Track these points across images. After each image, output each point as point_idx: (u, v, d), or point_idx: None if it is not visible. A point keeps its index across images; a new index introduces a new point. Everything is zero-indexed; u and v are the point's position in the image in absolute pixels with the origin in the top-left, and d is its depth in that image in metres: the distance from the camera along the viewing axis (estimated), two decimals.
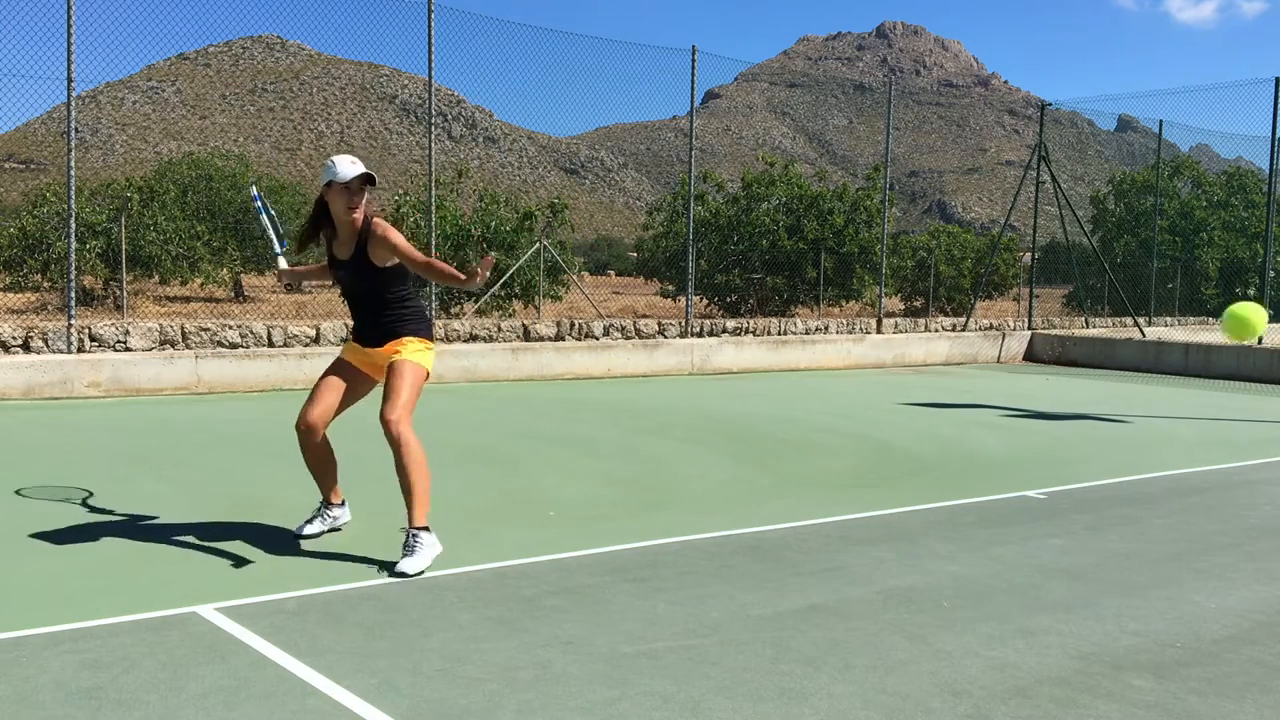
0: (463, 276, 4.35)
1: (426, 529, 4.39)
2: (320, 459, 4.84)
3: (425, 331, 4.73)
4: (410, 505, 4.39)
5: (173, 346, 11.00)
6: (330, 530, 4.93)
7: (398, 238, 4.52)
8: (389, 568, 4.30)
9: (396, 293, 4.67)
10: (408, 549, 4.33)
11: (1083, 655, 3.50)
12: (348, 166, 4.52)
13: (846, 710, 3.02)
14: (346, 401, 4.79)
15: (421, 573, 4.24)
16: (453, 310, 18.16)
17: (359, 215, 4.54)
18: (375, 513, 5.36)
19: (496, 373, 11.94)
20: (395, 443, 4.38)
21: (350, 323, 5.02)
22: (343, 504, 5.05)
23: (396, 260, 4.56)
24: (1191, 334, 20.47)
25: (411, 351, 4.61)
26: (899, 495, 6.10)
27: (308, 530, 4.86)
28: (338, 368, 4.79)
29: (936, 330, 18.16)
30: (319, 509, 4.97)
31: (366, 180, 4.53)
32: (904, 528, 5.28)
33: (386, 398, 4.47)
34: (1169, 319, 26.53)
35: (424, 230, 16.37)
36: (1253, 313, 5.17)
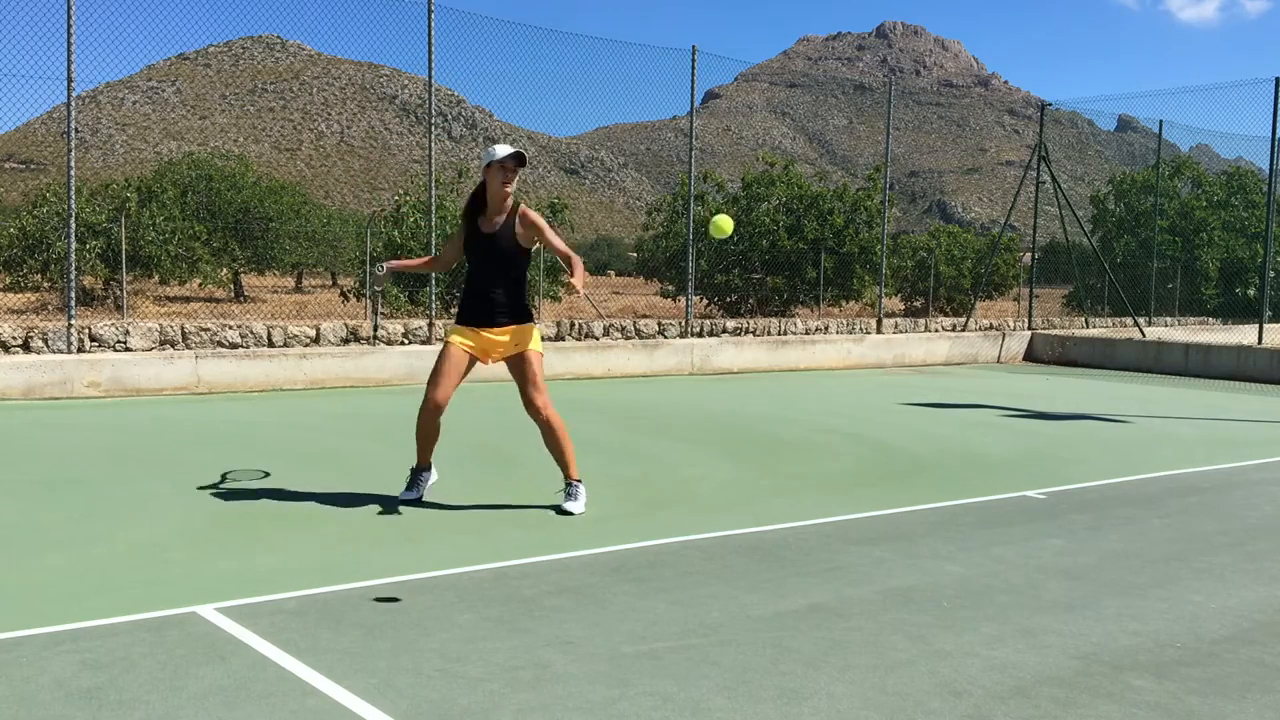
0: (579, 267, 5.20)
1: (579, 480, 5.49)
2: (433, 433, 5.49)
3: (532, 318, 5.49)
4: (566, 465, 5.45)
5: (173, 346, 11.00)
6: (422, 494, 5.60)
7: (542, 220, 5.28)
8: (555, 509, 5.40)
9: (520, 275, 5.39)
10: (570, 495, 5.42)
11: (1083, 655, 3.50)
12: (502, 148, 5.25)
13: (846, 710, 3.02)
14: (459, 381, 5.42)
15: (582, 512, 5.35)
16: (453, 310, 18.17)
17: (510, 189, 5.24)
18: (375, 512, 5.36)
19: (497, 372, 11.93)
20: (547, 424, 5.37)
21: (428, 310, 5.83)
22: (430, 467, 5.67)
23: (535, 245, 5.29)
24: (1191, 334, 20.47)
25: (535, 341, 5.42)
26: (899, 495, 6.10)
27: (412, 494, 5.55)
28: (453, 354, 5.35)
29: (936, 330, 18.16)
30: (417, 476, 5.60)
31: (518, 159, 5.24)
32: (904, 528, 5.28)
33: (532, 385, 5.33)
34: (1169, 319, 26.53)
35: (424, 230, 16.38)
36: (724, 221, 5.74)
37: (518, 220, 5.28)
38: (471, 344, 5.38)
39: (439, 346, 12.07)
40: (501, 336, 5.37)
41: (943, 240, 28.93)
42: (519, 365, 5.37)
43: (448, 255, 5.73)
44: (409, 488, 5.60)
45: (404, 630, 3.59)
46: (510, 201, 5.29)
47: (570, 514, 5.33)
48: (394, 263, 5.72)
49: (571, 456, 5.48)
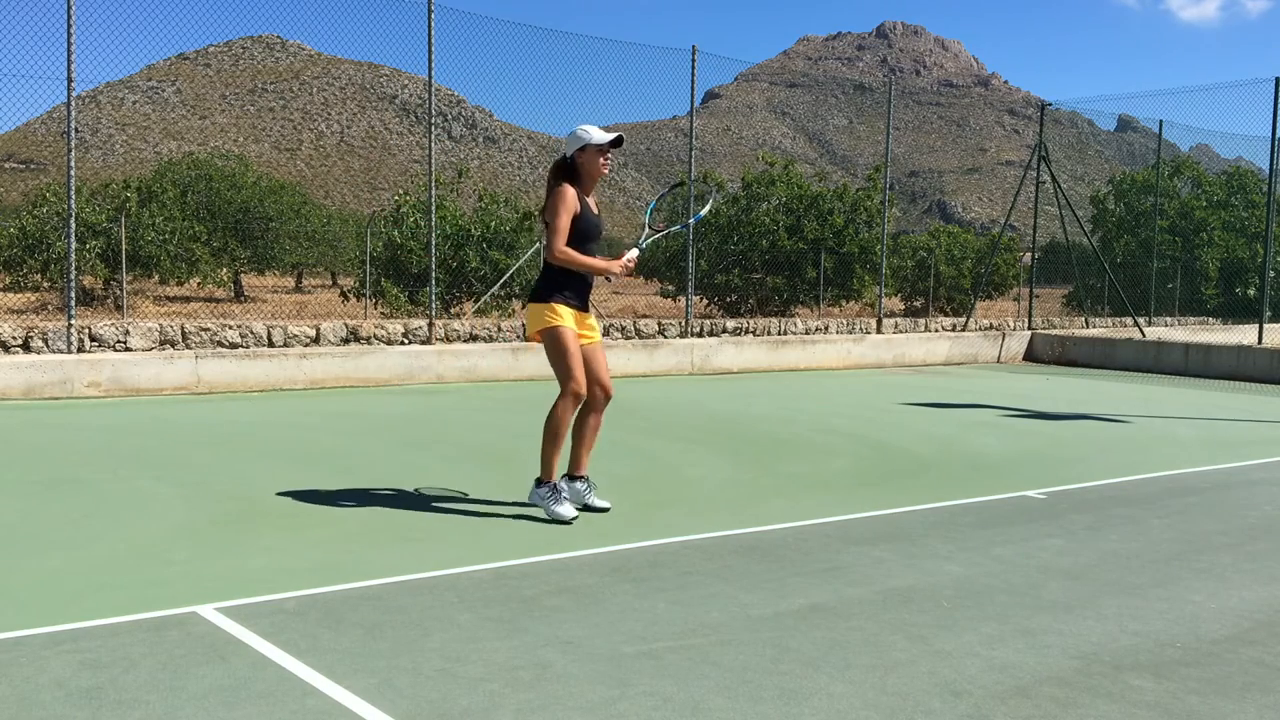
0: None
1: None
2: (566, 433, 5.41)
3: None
4: (586, 454, 5.56)
5: (173, 346, 11.00)
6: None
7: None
8: (597, 509, 5.47)
9: None
10: (590, 489, 5.54)
11: (1083, 655, 3.50)
12: (599, 132, 5.30)
13: (846, 710, 3.02)
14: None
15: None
16: (453, 310, 18.17)
17: (607, 173, 5.36)
18: (375, 512, 5.36)
19: (496, 373, 11.94)
20: (608, 401, 5.54)
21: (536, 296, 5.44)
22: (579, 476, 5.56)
23: None
24: (1191, 334, 20.48)
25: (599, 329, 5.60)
26: (899, 495, 6.10)
27: (600, 503, 5.50)
28: (577, 340, 5.33)
29: (936, 330, 18.16)
30: (585, 483, 5.54)
31: (617, 142, 5.33)
32: (904, 528, 5.28)
33: (606, 370, 5.51)
34: (1169, 319, 26.54)
35: (424, 230, 16.38)
36: None
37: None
38: (580, 330, 5.35)
39: (439, 346, 12.15)
40: (589, 324, 5.48)
41: (943, 240, 28.93)
42: (595, 351, 5.46)
43: (566, 235, 5.31)
44: (556, 508, 5.25)
45: (404, 630, 3.59)
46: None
47: (607, 509, 5.49)
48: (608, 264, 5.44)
49: (585, 445, 5.57)
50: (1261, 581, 4.46)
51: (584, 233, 5.26)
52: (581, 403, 5.32)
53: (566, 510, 5.22)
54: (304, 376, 10.93)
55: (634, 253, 5.50)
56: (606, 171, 5.32)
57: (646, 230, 5.73)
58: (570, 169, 5.30)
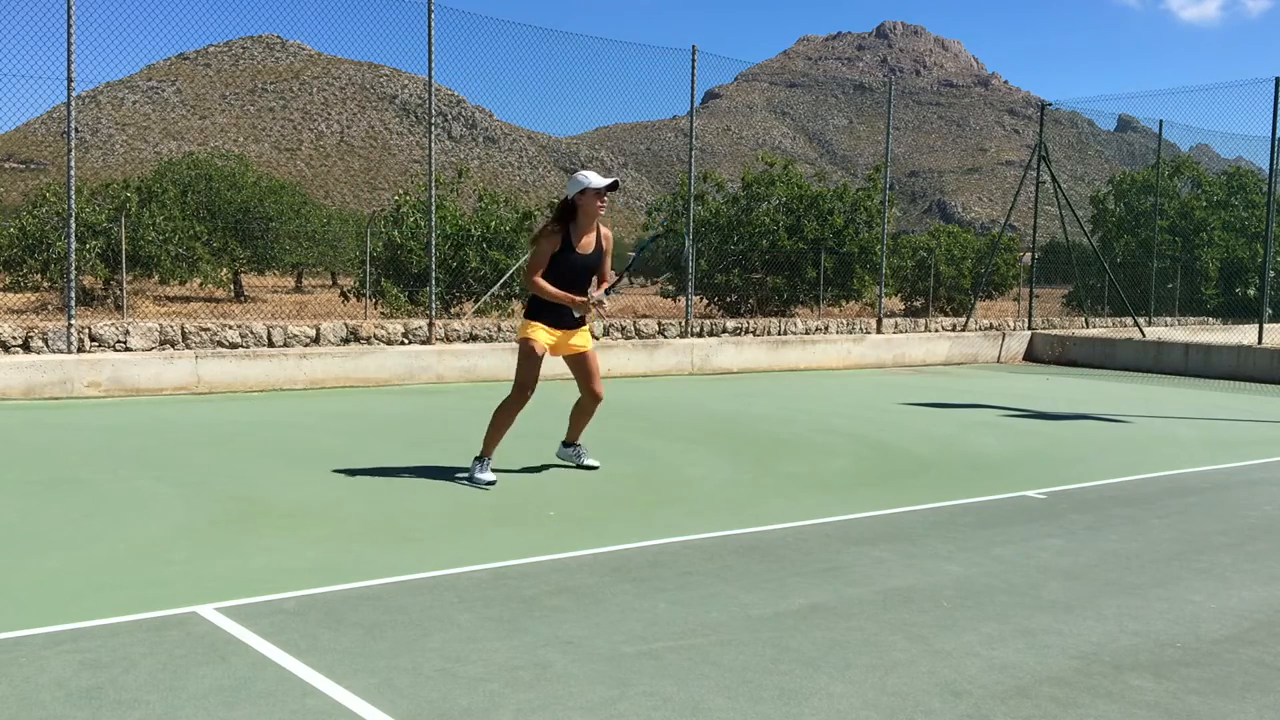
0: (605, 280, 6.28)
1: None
2: (509, 425, 6.22)
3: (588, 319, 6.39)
4: (580, 430, 6.59)
5: (173, 346, 11.00)
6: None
7: (610, 239, 6.28)
8: (587, 468, 6.56)
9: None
10: (584, 454, 6.63)
11: (1083, 655, 3.50)
12: (597, 177, 6.07)
13: (846, 710, 3.02)
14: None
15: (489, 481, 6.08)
16: (453, 310, 18.17)
17: (603, 212, 6.12)
18: (375, 512, 5.36)
19: (496, 373, 11.94)
20: (598, 402, 6.46)
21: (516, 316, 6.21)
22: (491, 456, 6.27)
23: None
24: (1191, 334, 20.48)
25: (591, 339, 6.41)
26: (899, 495, 6.10)
27: (488, 477, 6.08)
28: (540, 354, 6.12)
29: (936, 330, 18.17)
30: (485, 463, 6.17)
31: (613, 187, 6.12)
32: (904, 528, 5.28)
33: (595, 377, 6.39)
34: (1169, 319, 26.54)
35: (424, 230, 16.38)
36: None
37: (603, 239, 6.21)
38: (552, 341, 6.19)
39: (439, 346, 12.14)
40: (578, 337, 6.29)
41: (943, 240, 28.92)
42: (586, 360, 6.35)
43: (542, 267, 6.16)
44: (479, 474, 6.10)
45: (404, 630, 3.59)
46: (598, 224, 6.20)
47: (595, 467, 6.54)
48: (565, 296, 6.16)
49: (580, 424, 6.58)
50: (1261, 581, 4.46)
51: (561, 273, 6.09)
52: (524, 404, 6.17)
53: (485, 476, 6.07)
54: (304, 376, 10.93)
55: (599, 294, 6.17)
56: (603, 212, 6.12)
57: (614, 279, 6.37)
58: (571, 209, 6.07)
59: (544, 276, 6.07)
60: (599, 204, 6.06)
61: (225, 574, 4.21)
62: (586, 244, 6.12)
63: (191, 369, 10.32)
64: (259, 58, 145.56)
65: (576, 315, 6.20)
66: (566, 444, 6.66)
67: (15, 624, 3.55)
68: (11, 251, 21.01)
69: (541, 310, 6.15)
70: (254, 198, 28.41)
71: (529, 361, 6.10)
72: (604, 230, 6.24)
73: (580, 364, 6.34)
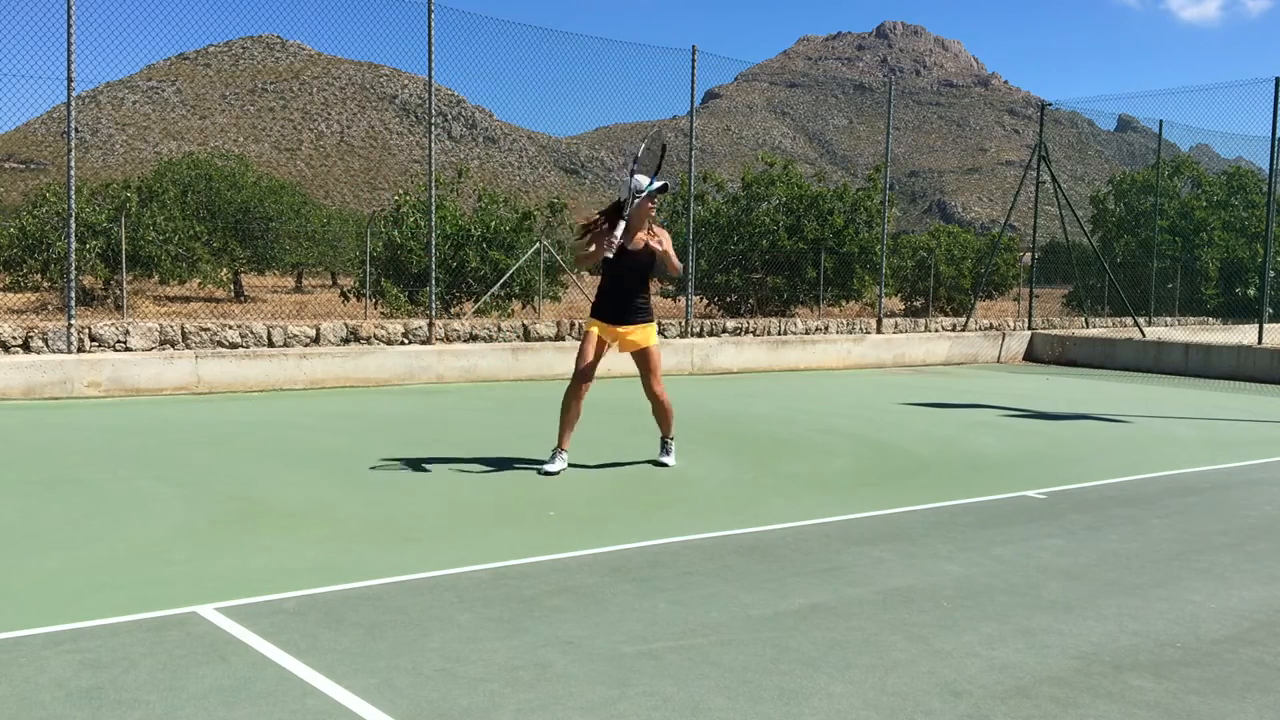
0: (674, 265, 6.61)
1: (673, 438, 6.95)
2: (576, 413, 6.58)
3: (653, 317, 6.75)
4: (666, 427, 6.89)
5: (173, 346, 11.00)
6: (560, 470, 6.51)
7: (666, 234, 6.63)
8: (653, 463, 6.86)
9: (647, 282, 6.69)
10: (667, 450, 6.89)
11: (1083, 655, 3.50)
12: (648, 180, 6.42)
13: (846, 710, 3.02)
14: (598, 363, 6.62)
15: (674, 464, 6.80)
16: (453, 310, 18.17)
17: (653, 213, 6.54)
18: (376, 512, 5.36)
19: (496, 373, 11.94)
20: (660, 402, 6.78)
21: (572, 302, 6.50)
22: (567, 450, 6.66)
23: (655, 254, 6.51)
24: (1191, 334, 20.48)
25: (653, 336, 6.69)
26: (899, 495, 6.10)
27: (551, 469, 6.45)
28: (592, 340, 6.57)
29: (936, 330, 18.17)
30: (557, 452, 6.56)
31: (663, 189, 6.51)
32: (904, 528, 5.28)
33: (651, 373, 6.68)
34: (1169, 319, 26.54)
35: (424, 230, 16.37)
36: None
37: (655, 237, 6.53)
38: (603, 333, 6.60)
39: (439, 346, 12.15)
40: (633, 334, 6.60)
41: (943, 240, 28.91)
42: (644, 357, 6.66)
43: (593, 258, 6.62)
44: (551, 460, 6.55)
45: (404, 630, 3.59)
46: (648, 224, 6.55)
47: (668, 465, 6.79)
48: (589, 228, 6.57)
49: (671, 422, 6.88)
50: (1261, 581, 4.46)
51: (612, 270, 6.51)
52: (579, 391, 6.54)
53: (549, 466, 6.46)
54: (304, 376, 10.93)
55: (618, 232, 6.35)
56: (653, 213, 6.61)
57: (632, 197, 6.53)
58: (622, 209, 6.42)
59: (601, 274, 6.60)
60: (649, 205, 6.46)
61: (225, 574, 4.21)
62: (637, 242, 6.48)
63: (191, 369, 10.32)
64: (259, 58, 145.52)
65: (606, 253, 6.38)
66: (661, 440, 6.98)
67: (15, 624, 3.55)
68: (11, 251, 21.01)
69: (594, 307, 6.67)
70: (254, 198, 28.40)
71: (579, 346, 6.63)
72: (657, 229, 6.59)
73: (638, 361, 6.73)
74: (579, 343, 6.45)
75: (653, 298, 7.17)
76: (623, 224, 6.35)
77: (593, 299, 6.79)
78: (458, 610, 3.81)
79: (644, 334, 6.63)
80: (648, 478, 6.53)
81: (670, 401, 6.87)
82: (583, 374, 6.50)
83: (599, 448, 7.41)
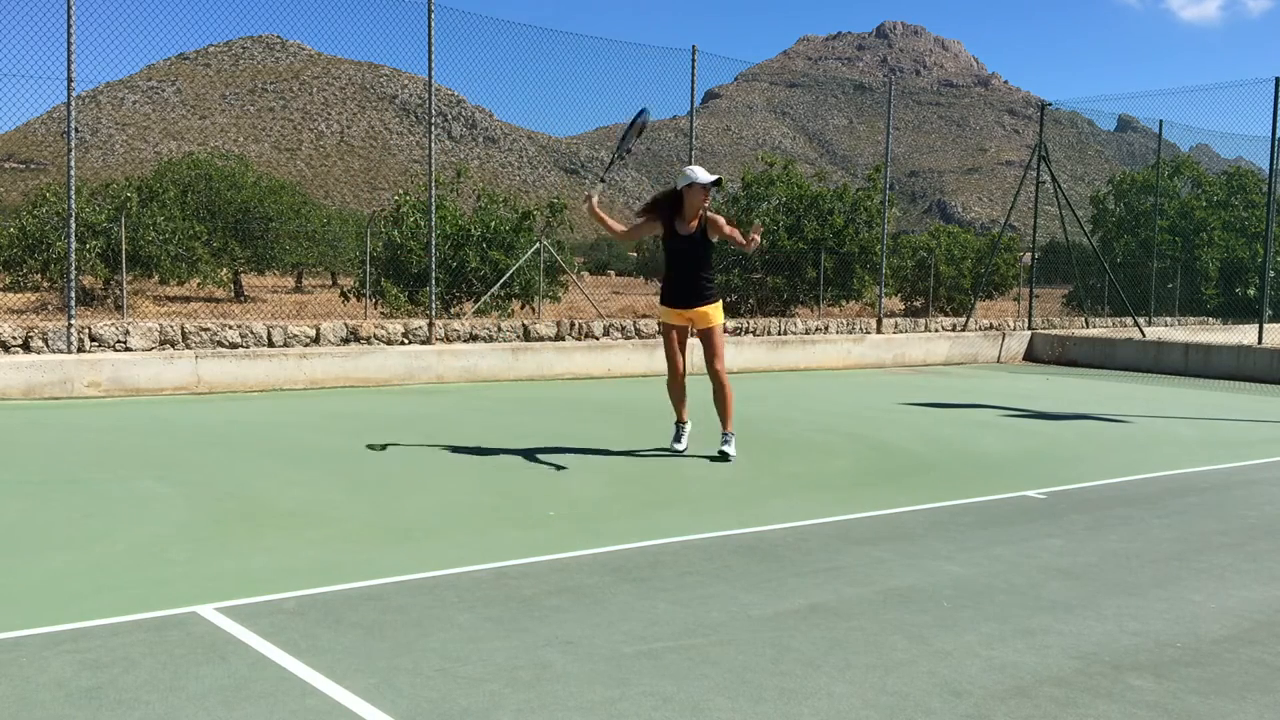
0: (743, 240, 6.89)
1: (733, 432, 7.16)
2: (682, 393, 7.22)
3: (719, 297, 7.13)
4: (726, 418, 7.09)
5: (173, 346, 11.00)
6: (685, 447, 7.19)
7: (720, 218, 6.97)
8: (713, 456, 7.01)
9: (711, 263, 7.08)
10: (727, 441, 7.06)
11: (1083, 655, 3.51)
12: (704, 173, 6.94)
13: (846, 710, 3.02)
14: (685, 349, 7.21)
15: (734, 457, 6.96)
16: (453, 310, 18.17)
17: (707, 204, 6.94)
18: (376, 512, 5.36)
19: (496, 373, 11.94)
20: (720, 384, 7.07)
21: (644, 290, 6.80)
22: (687, 422, 7.32)
23: (718, 238, 6.96)
24: (1191, 334, 20.47)
25: (719, 316, 7.05)
26: (899, 495, 6.10)
27: (680, 446, 7.19)
28: (671, 332, 7.12)
29: (936, 330, 18.16)
30: (679, 429, 7.27)
31: (717, 183, 6.92)
32: (904, 528, 5.28)
33: (714, 354, 7.03)
34: (1169, 319, 26.53)
35: (424, 230, 16.37)
36: None
37: (709, 224, 6.92)
38: (676, 320, 7.07)
39: (439, 346, 12.15)
40: (700, 317, 7.01)
41: (943, 240, 28.91)
42: (708, 337, 7.03)
43: (629, 234, 7.35)
44: (676, 438, 7.25)
45: (404, 630, 3.59)
46: (703, 212, 6.94)
47: (730, 457, 6.96)
48: (598, 209, 6.88)
49: (731, 412, 7.10)
50: (1261, 581, 4.46)
51: (669, 249, 7.00)
52: (676, 379, 7.15)
53: (675, 445, 7.21)
54: (304, 376, 10.93)
55: (598, 189, 6.96)
56: (708, 204, 6.93)
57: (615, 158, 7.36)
58: (676, 198, 6.91)
59: (664, 262, 7.10)
60: (703, 197, 6.86)
61: (225, 574, 4.21)
62: (690, 229, 6.93)
63: (191, 369, 10.32)
64: (259, 58, 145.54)
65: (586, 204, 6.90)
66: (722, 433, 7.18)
67: (15, 624, 3.55)
68: (11, 251, 21.01)
69: (662, 293, 7.13)
70: (254, 198, 28.38)
71: (665, 349, 7.21)
72: (710, 216, 6.94)
73: (702, 340, 7.09)
74: (661, 341, 7.19)
75: (652, 297, 7.25)
76: (603, 185, 7.01)
77: (659, 289, 7.24)
78: (458, 610, 3.81)
79: (710, 313, 7.01)
80: (648, 478, 6.53)
81: (732, 390, 7.16)
82: (674, 368, 7.11)
83: (598, 448, 7.41)
